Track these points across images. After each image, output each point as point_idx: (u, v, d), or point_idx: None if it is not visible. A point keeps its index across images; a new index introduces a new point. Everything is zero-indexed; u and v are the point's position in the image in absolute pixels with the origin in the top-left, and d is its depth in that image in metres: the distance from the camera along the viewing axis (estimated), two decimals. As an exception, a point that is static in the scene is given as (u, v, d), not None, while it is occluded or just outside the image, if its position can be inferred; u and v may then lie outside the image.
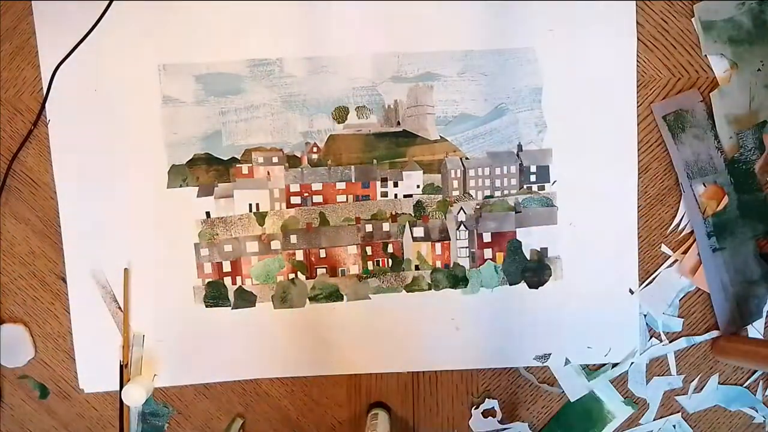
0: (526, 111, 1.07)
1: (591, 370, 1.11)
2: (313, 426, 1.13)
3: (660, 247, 1.09)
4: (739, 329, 1.08)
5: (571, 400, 1.12)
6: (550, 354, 1.10)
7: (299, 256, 1.09)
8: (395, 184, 1.08)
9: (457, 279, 1.09)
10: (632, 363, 1.11)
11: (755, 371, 1.11)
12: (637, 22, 1.05)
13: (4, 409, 1.12)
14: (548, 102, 1.07)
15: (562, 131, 1.07)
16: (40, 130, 1.06)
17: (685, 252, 1.09)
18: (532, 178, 1.08)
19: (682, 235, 1.09)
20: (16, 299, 1.10)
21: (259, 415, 1.12)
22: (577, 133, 1.07)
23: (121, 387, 1.09)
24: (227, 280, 1.09)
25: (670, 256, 1.09)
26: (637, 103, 1.06)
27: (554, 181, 1.08)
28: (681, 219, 1.08)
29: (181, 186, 1.07)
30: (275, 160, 1.07)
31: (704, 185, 1.06)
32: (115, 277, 1.08)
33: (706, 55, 1.05)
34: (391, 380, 1.12)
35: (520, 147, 1.08)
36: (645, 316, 1.10)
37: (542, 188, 1.08)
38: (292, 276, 1.09)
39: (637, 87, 1.06)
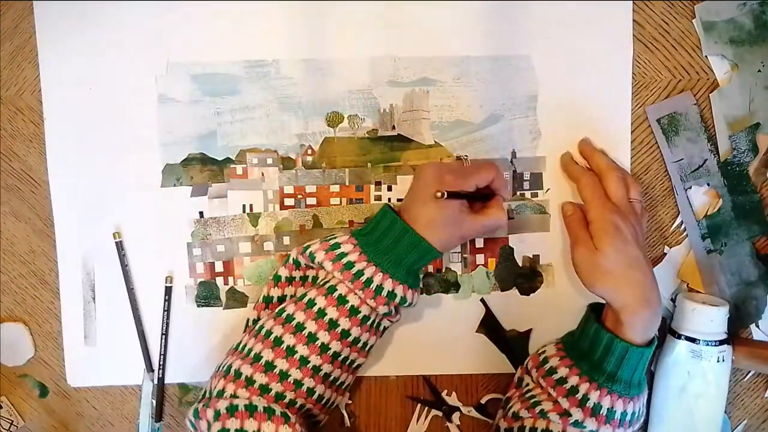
0: (521, 118, 0.98)
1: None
2: None
3: (660, 249, 1.00)
4: (737, 331, 0.99)
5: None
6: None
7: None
8: (389, 188, 0.99)
9: (448, 284, 1.00)
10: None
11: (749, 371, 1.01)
12: (638, 24, 0.96)
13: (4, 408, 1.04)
14: (543, 110, 0.98)
15: (556, 139, 0.98)
16: (42, 129, 0.98)
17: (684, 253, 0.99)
18: (526, 185, 0.99)
19: (682, 236, 0.99)
20: (16, 298, 1.01)
21: None
22: (571, 141, 0.98)
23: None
24: (219, 280, 1.00)
25: (670, 258, 1.00)
26: (638, 104, 0.97)
27: (548, 189, 0.99)
28: (682, 221, 0.99)
29: (174, 185, 0.98)
30: (270, 161, 0.99)
31: (698, 187, 0.97)
32: (105, 273, 0.99)
33: (707, 57, 0.96)
34: (391, 380, 1.02)
35: (514, 154, 0.98)
36: None
37: (535, 195, 0.99)
38: (284, 277, 1.01)
39: (638, 89, 0.97)
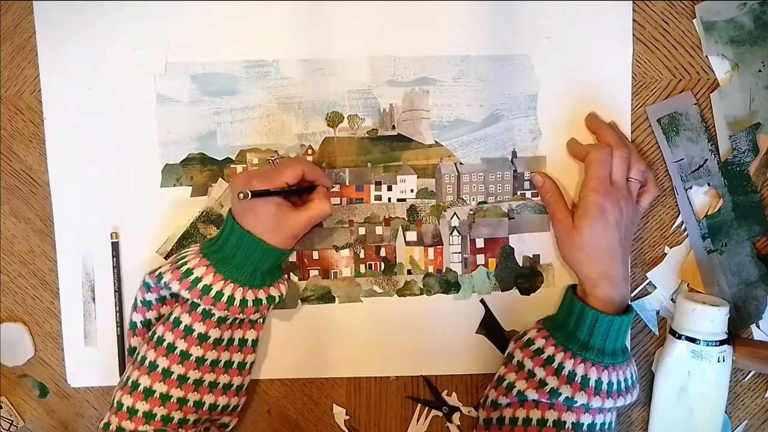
0: (522, 118, 0.97)
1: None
2: (313, 426, 1.03)
3: (660, 249, 0.99)
4: (737, 331, 0.98)
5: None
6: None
7: (292, 257, 0.99)
8: (389, 188, 0.98)
9: (449, 284, 0.99)
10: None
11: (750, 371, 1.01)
12: (638, 24, 0.96)
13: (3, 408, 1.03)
14: (543, 109, 0.97)
15: (556, 138, 0.97)
16: (42, 129, 0.98)
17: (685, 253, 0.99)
18: (526, 184, 0.98)
19: (682, 236, 0.98)
20: (16, 298, 1.01)
21: (258, 415, 1.02)
22: None
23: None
24: None
25: (671, 258, 0.99)
26: (638, 104, 0.97)
27: None
28: (683, 221, 0.98)
29: (174, 185, 0.98)
30: (270, 161, 0.97)
31: (698, 187, 0.96)
32: (105, 273, 0.98)
33: (707, 56, 0.96)
34: (391, 380, 1.02)
35: (514, 153, 0.98)
36: (657, 312, 1.00)
37: (536, 195, 0.98)
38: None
39: (638, 88, 0.97)
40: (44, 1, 0.95)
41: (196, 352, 0.85)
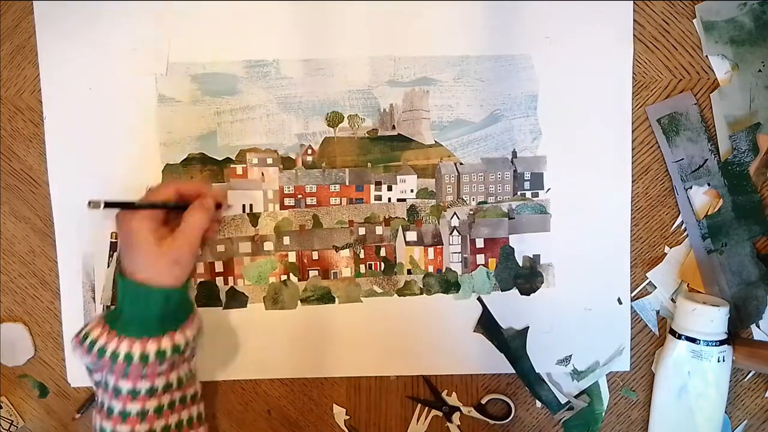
0: (522, 118, 0.97)
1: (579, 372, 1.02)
2: (313, 426, 1.03)
3: (660, 249, 0.99)
4: (737, 331, 0.98)
5: (561, 402, 1.01)
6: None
7: (292, 257, 0.99)
8: (389, 188, 0.98)
9: (449, 284, 0.99)
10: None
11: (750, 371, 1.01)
12: (638, 23, 0.96)
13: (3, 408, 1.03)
14: (544, 109, 0.97)
15: (557, 139, 0.97)
16: (42, 129, 0.98)
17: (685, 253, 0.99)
18: (526, 185, 0.98)
19: (682, 236, 0.98)
20: (16, 298, 1.01)
21: (258, 415, 1.02)
22: (572, 141, 0.97)
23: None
24: (219, 280, 0.99)
25: (671, 258, 0.99)
26: (638, 104, 0.97)
27: (548, 189, 0.98)
28: (683, 221, 0.98)
29: None
30: (270, 161, 0.98)
31: (698, 187, 0.96)
32: (105, 273, 0.99)
33: (707, 56, 0.96)
34: (391, 380, 1.02)
35: (514, 153, 0.98)
36: (657, 312, 1.00)
37: (536, 195, 0.98)
38: (284, 277, 0.99)
39: (638, 88, 0.97)
40: (44, 1, 0.95)
41: (150, 405, 0.80)
